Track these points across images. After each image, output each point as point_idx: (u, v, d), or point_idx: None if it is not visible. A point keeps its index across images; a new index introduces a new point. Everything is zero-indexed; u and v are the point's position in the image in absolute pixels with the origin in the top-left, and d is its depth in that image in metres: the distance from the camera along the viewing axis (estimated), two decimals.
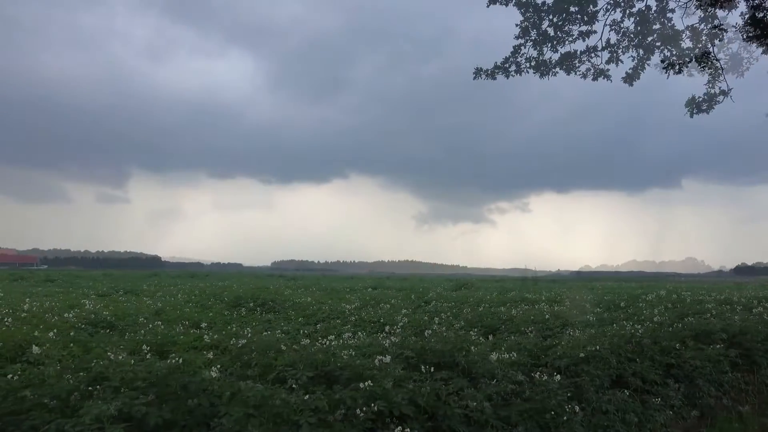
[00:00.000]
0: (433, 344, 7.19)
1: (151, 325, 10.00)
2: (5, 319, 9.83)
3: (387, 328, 9.81)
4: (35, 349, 6.05)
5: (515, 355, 7.59)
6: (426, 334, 8.23)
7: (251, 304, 15.84)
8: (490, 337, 9.60)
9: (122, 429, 4.49)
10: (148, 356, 6.83)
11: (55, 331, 8.29)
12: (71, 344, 7.22)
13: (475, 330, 10.04)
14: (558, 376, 6.86)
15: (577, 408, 6.34)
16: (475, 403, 5.95)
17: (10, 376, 5.27)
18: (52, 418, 4.68)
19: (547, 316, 12.17)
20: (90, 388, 4.98)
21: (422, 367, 6.40)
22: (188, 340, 8.26)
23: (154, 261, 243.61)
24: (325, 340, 7.95)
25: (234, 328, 10.07)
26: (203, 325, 10.28)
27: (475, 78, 13.03)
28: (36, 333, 8.17)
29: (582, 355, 7.74)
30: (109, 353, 5.97)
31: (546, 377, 6.81)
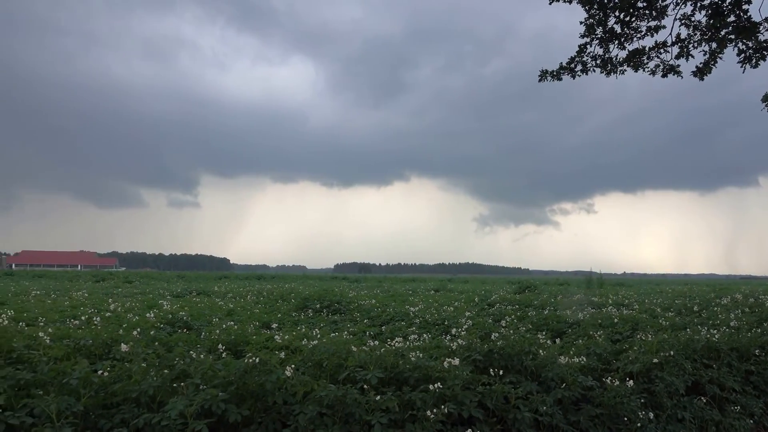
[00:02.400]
0: (500, 347, 7.18)
1: (224, 325, 10.39)
2: (94, 318, 10.47)
3: (454, 330, 9.82)
4: (123, 346, 6.43)
5: (584, 359, 7.47)
6: (493, 337, 8.20)
7: (317, 306, 16.14)
8: (557, 340, 9.47)
9: (205, 424, 4.74)
10: (223, 355, 7.14)
11: (138, 330, 8.77)
12: (155, 343, 7.60)
13: (543, 333, 9.91)
14: (630, 382, 6.72)
15: (651, 415, 6.21)
16: (544, 408, 5.92)
17: (100, 371, 5.62)
18: (140, 413, 4.99)
19: (615, 320, 11.88)
20: (174, 385, 5.27)
21: (491, 370, 6.41)
22: (260, 340, 8.53)
23: (223, 263, 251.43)
24: (392, 342, 8.07)
25: (303, 329, 10.33)
26: (274, 325, 10.59)
27: (540, 80, 12.87)
28: (120, 332, 8.66)
29: (655, 360, 7.54)
30: (191, 352, 6.27)
31: (618, 382, 6.68)
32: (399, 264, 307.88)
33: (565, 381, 6.63)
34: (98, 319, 10.44)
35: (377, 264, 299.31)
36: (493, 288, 34.23)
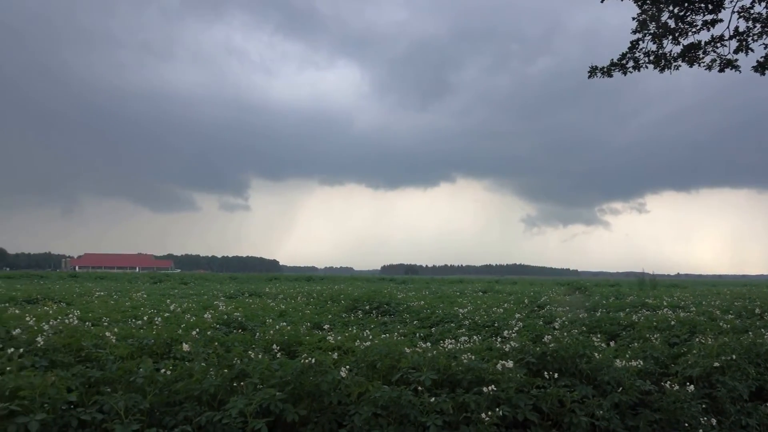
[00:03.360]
0: (553, 350, 7.10)
1: (278, 326, 10.59)
2: (155, 319, 10.87)
3: (506, 332, 9.75)
4: (185, 346, 6.66)
5: (641, 362, 7.31)
6: (545, 339, 8.12)
7: (367, 307, 16.27)
8: (611, 343, 9.29)
9: (264, 423, 4.87)
10: (278, 355, 7.31)
11: (197, 330, 9.04)
12: (215, 343, 7.83)
13: (598, 336, 9.73)
14: (691, 386, 6.55)
15: (713, 421, 6.02)
16: (601, 412, 5.83)
17: (163, 370, 5.84)
18: (202, 411, 5.17)
19: (672, 323, 11.56)
20: (234, 384, 5.43)
21: (545, 373, 6.35)
22: (313, 341, 8.67)
23: (272, 265, 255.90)
24: (445, 343, 8.08)
25: (354, 330, 10.44)
26: (325, 326, 10.73)
27: (590, 77, 12.64)
28: (179, 332, 8.95)
29: (716, 364, 7.31)
30: (249, 352, 6.44)
31: (677, 387, 6.52)
32: (445, 265, 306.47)
33: (621, 385, 6.51)
34: (159, 319, 10.83)
35: (424, 265, 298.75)
36: (542, 289, 33.72)
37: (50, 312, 11.95)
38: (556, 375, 6.32)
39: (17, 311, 11.70)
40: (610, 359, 7.11)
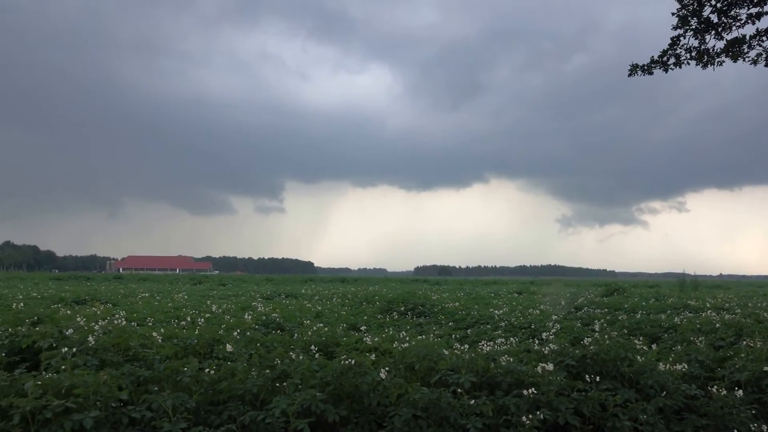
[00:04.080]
0: (594, 353, 7.03)
1: (315, 327, 10.73)
2: (197, 320, 11.14)
3: (544, 335, 9.68)
4: (228, 346, 6.83)
5: (686, 366, 7.18)
6: (585, 341, 8.04)
7: (402, 308, 16.32)
8: (653, 346, 9.14)
9: (306, 423, 4.97)
10: (316, 356, 7.42)
11: (238, 330, 9.24)
12: (257, 344, 8.00)
13: (639, 339, 9.59)
14: (739, 391, 6.40)
15: (764, 427, 5.86)
16: (645, 417, 5.75)
17: (207, 370, 6.00)
18: (245, 410, 5.30)
19: (717, 325, 11.29)
20: (277, 384, 5.55)
21: (585, 376, 6.30)
22: (350, 342, 8.76)
23: (307, 266, 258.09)
24: (482, 345, 8.08)
25: (390, 332, 10.50)
26: (362, 328, 10.83)
27: (630, 75, 12.43)
28: (220, 332, 9.15)
29: (766, 368, 7.13)
30: (290, 353, 6.56)
31: (724, 392, 6.38)
32: (479, 266, 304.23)
33: (665, 389, 6.40)
34: (201, 320, 11.10)
35: (457, 266, 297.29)
36: (579, 291, 33.24)
37: (98, 312, 12.34)
38: (597, 378, 6.27)
39: (68, 312, 12.12)
40: (653, 362, 7.00)
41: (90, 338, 7.03)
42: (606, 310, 16.81)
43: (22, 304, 12.74)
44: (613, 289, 29.93)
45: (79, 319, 9.47)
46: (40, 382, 4.96)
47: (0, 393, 5.03)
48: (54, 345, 7.19)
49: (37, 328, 8.21)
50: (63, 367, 5.74)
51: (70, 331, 7.60)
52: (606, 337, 8.40)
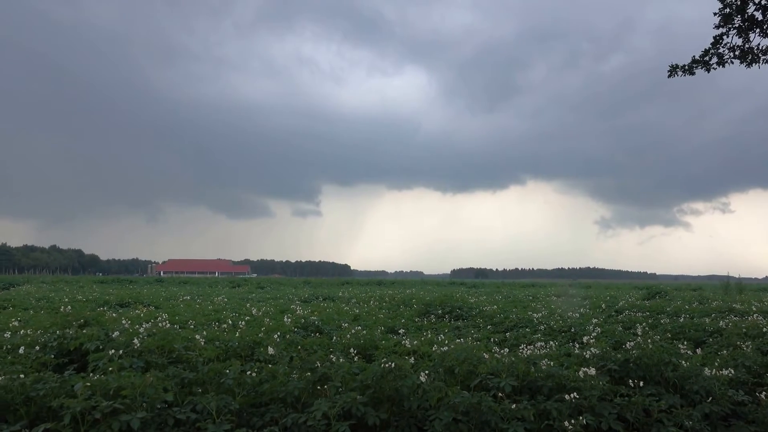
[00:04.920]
0: (636, 357, 6.90)
1: (353, 330, 10.80)
2: (239, 323, 11.34)
3: (585, 338, 9.54)
4: (270, 349, 6.94)
5: (732, 371, 6.99)
6: (627, 345, 7.90)
7: (439, 311, 16.28)
8: (698, 350, 8.91)
9: (347, 426, 5.01)
10: (355, 359, 7.46)
11: (278, 333, 9.36)
12: (298, 347, 8.09)
13: (683, 343, 9.36)
14: None
15: None
16: (690, 423, 5.62)
17: (249, 372, 6.10)
18: (287, 412, 5.37)
19: (764, 329, 10.94)
20: (318, 387, 5.61)
21: (628, 381, 6.19)
22: (389, 345, 8.79)
23: (344, 269, 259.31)
24: (522, 349, 8.00)
25: (429, 335, 10.49)
26: (400, 331, 10.84)
27: (670, 76, 12.16)
28: (260, 335, 9.28)
29: None
30: (331, 356, 6.63)
31: None
32: (516, 269, 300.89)
33: (711, 394, 6.24)
34: (242, 323, 11.29)
35: (494, 269, 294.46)
36: (619, 294, 32.61)
37: (141, 315, 12.66)
38: (640, 383, 6.15)
39: (114, 315, 12.48)
40: (698, 367, 6.85)
41: (135, 340, 7.22)
42: (647, 313, 16.48)
43: (69, 307, 13.15)
44: (655, 292, 29.25)
45: (124, 321, 9.73)
46: (89, 384, 5.12)
47: (51, 394, 5.21)
48: (101, 347, 7.42)
49: (84, 331, 8.48)
50: (110, 368, 5.93)
51: (116, 333, 7.82)
52: (649, 341, 8.23)
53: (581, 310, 14.76)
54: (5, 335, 8.97)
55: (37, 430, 4.69)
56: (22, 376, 5.48)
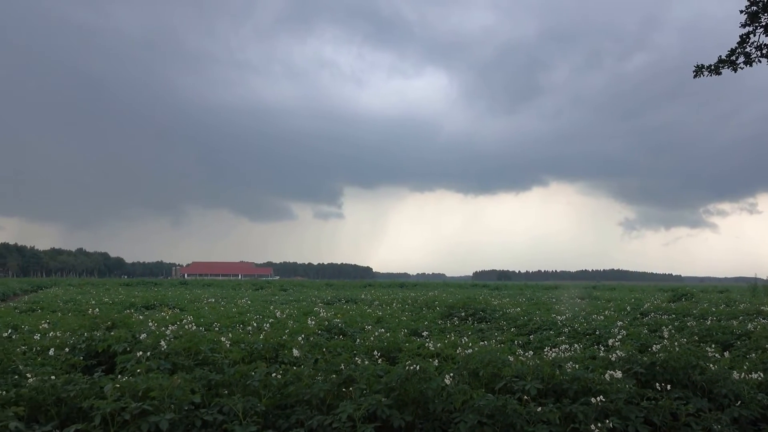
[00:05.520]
0: (663, 360, 6.82)
1: (377, 332, 10.82)
2: (263, 325, 11.44)
3: (610, 341, 9.45)
4: (295, 351, 7.00)
5: (761, 375, 6.87)
6: (653, 348, 7.81)
7: (462, 314, 16.24)
8: (725, 353, 8.77)
9: (372, 428, 5.03)
10: (379, 361, 7.49)
11: (302, 335, 9.43)
12: (324, 349, 8.15)
13: (710, 346, 9.22)
14: None
15: None
16: (719, 427, 5.54)
17: (274, 374, 6.16)
18: (312, 414, 5.41)
19: None
20: (343, 389, 5.64)
21: (655, 384, 6.11)
22: (412, 348, 8.80)
23: (366, 271, 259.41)
24: (546, 351, 7.96)
25: (452, 337, 10.48)
26: (424, 333, 10.84)
27: (696, 76, 12.00)
28: (284, 337, 9.36)
29: None
30: (356, 358, 6.66)
31: None
32: (539, 271, 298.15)
33: (740, 398, 6.15)
34: (267, 325, 11.39)
35: (516, 271, 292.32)
36: (644, 296, 32.22)
37: (167, 317, 12.84)
38: (668, 387, 6.07)
39: (140, 317, 12.67)
40: (726, 371, 6.75)
41: (162, 342, 7.33)
42: (673, 316, 16.25)
43: (97, 309, 13.40)
44: (681, 295, 28.82)
45: (150, 324, 9.89)
46: (118, 385, 5.22)
47: (81, 395, 5.33)
48: (128, 349, 7.55)
49: (111, 333, 8.64)
50: (138, 370, 6.03)
51: (143, 335, 7.95)
52: (675, 344, 8.12)
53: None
54: (35, 337, 9.18)
55: (68, 431, 4.80)
56: (53, 377, 5.60)
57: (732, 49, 11.76)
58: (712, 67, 11.93)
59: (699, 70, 12.04)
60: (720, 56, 11.84)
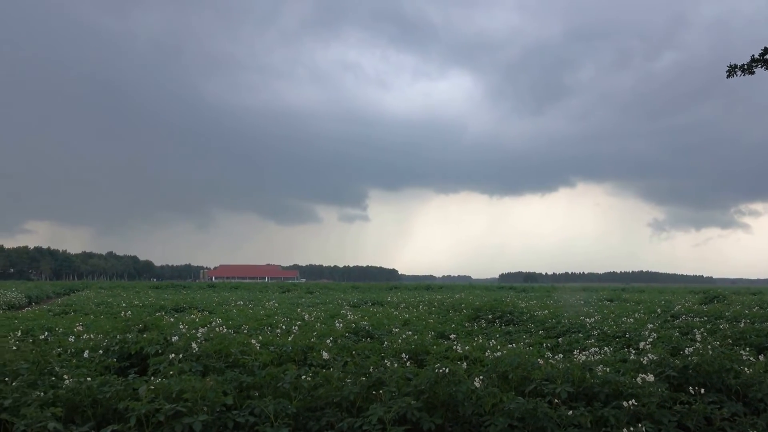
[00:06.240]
0: (696, 363, 6.71)
1: (404, 335, 10.83)
2: (292, 327, 11.54)
3: (641, 344, 9.31)
4: (324, 354, 7.05)
5: None
6: (685, 351, 7.69)
7: (489, 316, 16.15)
8: (760, 357, 8.58)
9: (402, 431, 5.05)
10: (407, 364, 7.49)
11: (330, 338, 9.49)
12: (353, 352, 8.19)
13: (744, 350, 9.03)
14: None
15: None
16: None
17: (303, 377, 6.21)
18: (342, 417, 5.46)
19: None
20: (373, 392, 5.67)
21: (689, 388, 6.03)
22: (440, 350, 8.78)
23: (392, 274, 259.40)
24: (576, 355, 7.88)
25: (481, 340, 10.44)
26: (452, 336, 10.82)
27: (729, 76, 11.79)
28: (312, 339, 9.42)
29: None
30: (385, 361, 6.69)
31: None
32: (566, 273, 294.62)
33: None
34: (296, 328, 11.49)
35: (543, 273, 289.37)
36: (674, 298, 31.67)
37: (196, 320, 13.03)
38: (701, 390, 5.98)
39: (172, 319, 12.88)
40: (762, 374, 6.62)
41: (193, 345, 7.45)
42: (705, 318, 15.95)
43: (129, 312, 13.65)
44: (712, 297, 28.28)
45: (181, 326, 10.04)
46: (152, 387, 5.32)
47: (116, 396, 5.44)
48: (160, 351, 7.69)
49: (144, 335, 8.80)
50: (170, 372, 6.14)
51: (175, 338, 8.08)
52: (708, 347, 7.97)
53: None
54: (69, 339, 9.40)
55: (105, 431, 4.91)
56: (88, 379, 5.73)
57: (765, 47, 11.54)
58: (745, 67, 11.73)
59: (732, 70, 11.85)
60: (753, 56, 11.63)
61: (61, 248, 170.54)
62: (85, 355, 7.68)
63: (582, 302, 18.67)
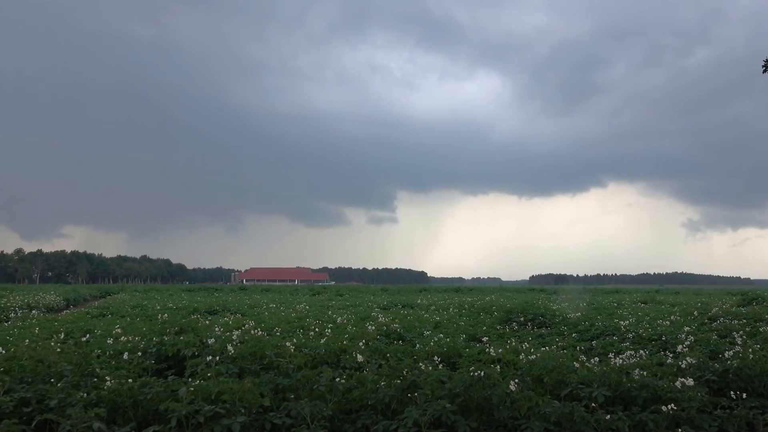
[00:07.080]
0: (736, 367, 6.57)
1: (436, 338, 10.82)
2: (325, 330, 11.62)
3: (678, 347, 9.15)
4: (359, 357, 7.10)
5: None
6: (725, 355, 7.53)
7: (521, 319, 16.00)
8: None
9: None
10: (439, 366, 7.49)
11: (363, 341, 9.53)
12: (387, 354, 8.23)
13: None
14: None
15: None
16: None
17: (338, 379, 6.26)
18: (377, 419, 5.49)
19: None
20: (409, 395, 5.69)
21: (730, 392, 5.91)
22: (472, 353, 8.75)
23: (421, 276, 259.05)
24: (612, 358, 7.78)
25: (513, 343, 10.36)
26: (484, 339, 10.76)
27: (765, 71, 11.50)
28: (344, 342, 9.47)
29: None
30: (420, 364, 6.70)
31: None
32: (598, 275, 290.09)
33: None
34: (329, 330, 11.58)
35: (574, 275, 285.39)
36: (711, 300, 30.92)
37: (230, 322, 13.20)
38: (743, 395, 5.86)
39: (206, 322, 13.09)
40: None
41: (229, 347, 7.56)
42: (744, 321, 15.54)
43: (166, 315, 13.90)
44: (751, 298, 27.50)
45: (216, 328, 10.20)
46: (191, 389, 5.43)
47: (156, 398, 5.56)
48: (196, 353, 7.82)
49: (180, 338, 8.96)
50: (208, 374, 6.25)
51: (211, 340, 8.22)
52: (749, 350, 7.80)
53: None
54: (108, 341, 9.63)
55: None
56: (129, 380, 5.87)
57: None
58: None
59: None
60: None
61: (96, 252, 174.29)
62: (125, 356, 7.85)
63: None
